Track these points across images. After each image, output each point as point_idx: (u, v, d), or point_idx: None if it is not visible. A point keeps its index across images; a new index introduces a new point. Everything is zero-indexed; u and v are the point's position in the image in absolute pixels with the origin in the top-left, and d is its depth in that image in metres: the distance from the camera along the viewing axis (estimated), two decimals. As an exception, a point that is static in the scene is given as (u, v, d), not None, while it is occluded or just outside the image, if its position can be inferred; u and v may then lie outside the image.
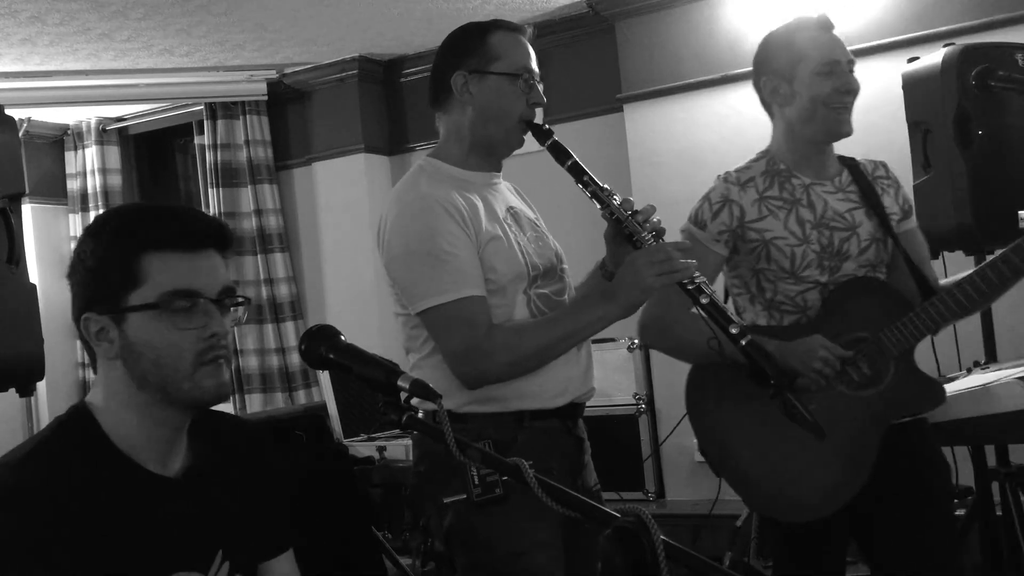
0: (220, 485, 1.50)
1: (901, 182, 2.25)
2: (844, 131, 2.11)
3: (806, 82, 2.09)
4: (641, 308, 2.05)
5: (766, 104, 2.20)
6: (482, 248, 1.96)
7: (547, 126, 2.07)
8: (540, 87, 2.11)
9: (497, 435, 1.96)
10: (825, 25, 2.16)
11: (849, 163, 2.19)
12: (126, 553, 1.33)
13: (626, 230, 1.93)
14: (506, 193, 2.15)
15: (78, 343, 5.76)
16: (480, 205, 2.00)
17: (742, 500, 2.19)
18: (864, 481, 2.02)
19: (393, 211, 1.99)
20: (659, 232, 1.90)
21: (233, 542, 1.49)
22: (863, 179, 2.16)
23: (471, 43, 2.05)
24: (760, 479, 2.11)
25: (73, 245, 5.63)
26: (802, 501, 2.07)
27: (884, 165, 2.23)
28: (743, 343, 1.80)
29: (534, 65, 2.09)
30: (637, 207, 1.94)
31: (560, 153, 2.04)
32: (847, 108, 2.10)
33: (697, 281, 1.87)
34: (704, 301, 1.86)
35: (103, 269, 1.35)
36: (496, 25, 2.07)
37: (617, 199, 1.98)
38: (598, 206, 1.99)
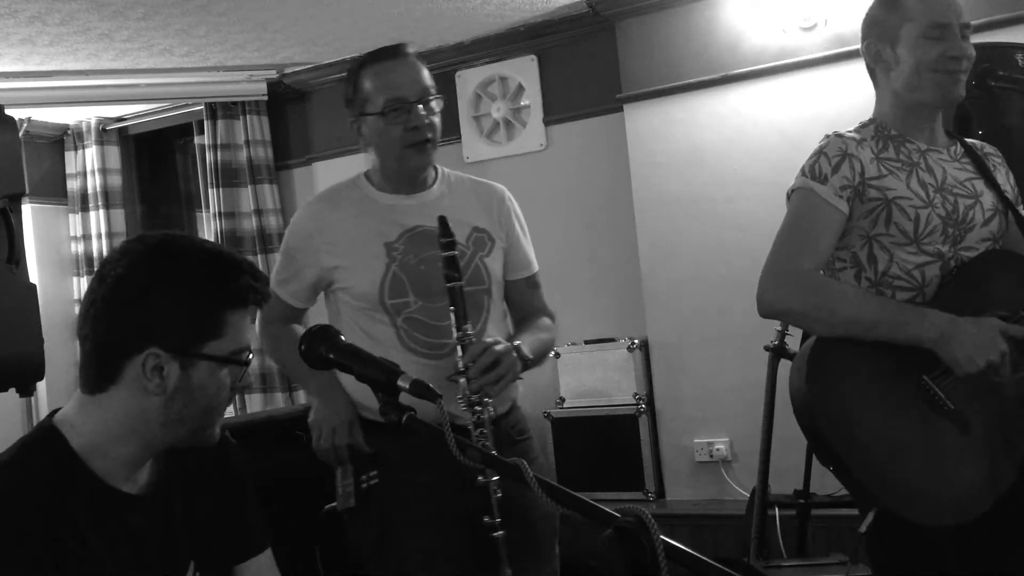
0: (185, 496, 1.50)
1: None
2: (958, 93, 1.95)
3: (911, 46, 1.95)
4: (770, 263, 1.96)
5: (870, 70, 2.06)
6: (332, 268, 2.19)
7: (448, 239, 2.10)
8: (432, 105, 2.16)
9: (381, 443, 2.10)
10: None
11: (960, 139, 2.06)
12: (97, 571, 1.33)
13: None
14: (428, 209, 2.19)
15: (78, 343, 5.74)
16: (361, 232, 2.18)
17: (867, 493, 1.86)
18: (1013, 479, 1.80)
19: None
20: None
21: (204, 551, 1.49)
22: (974, 152, 2.03)
23: (350, 87, 2.22)
24: (894, 473, 1.82)
25: (78, 245, 5.65)
26: (942, 501, 1.80)
27: (992, 146, 2.10)
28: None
29: (410, 86, 2.15)
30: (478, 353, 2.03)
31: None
32: (957, 74, 1.93)
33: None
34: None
35: (189, 313, 1.37)
36: (367, 61, 2.20)
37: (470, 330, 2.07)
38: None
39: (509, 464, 1.27)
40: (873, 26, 2.02)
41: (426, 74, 2.19)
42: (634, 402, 4.28)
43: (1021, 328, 1.84)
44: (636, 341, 4.34)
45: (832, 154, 1.97)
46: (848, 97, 3.94)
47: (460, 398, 1.99)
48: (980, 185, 1.99)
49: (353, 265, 2.17)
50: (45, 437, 1.38)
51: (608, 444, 4.25)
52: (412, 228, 2.17)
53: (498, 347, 2.02)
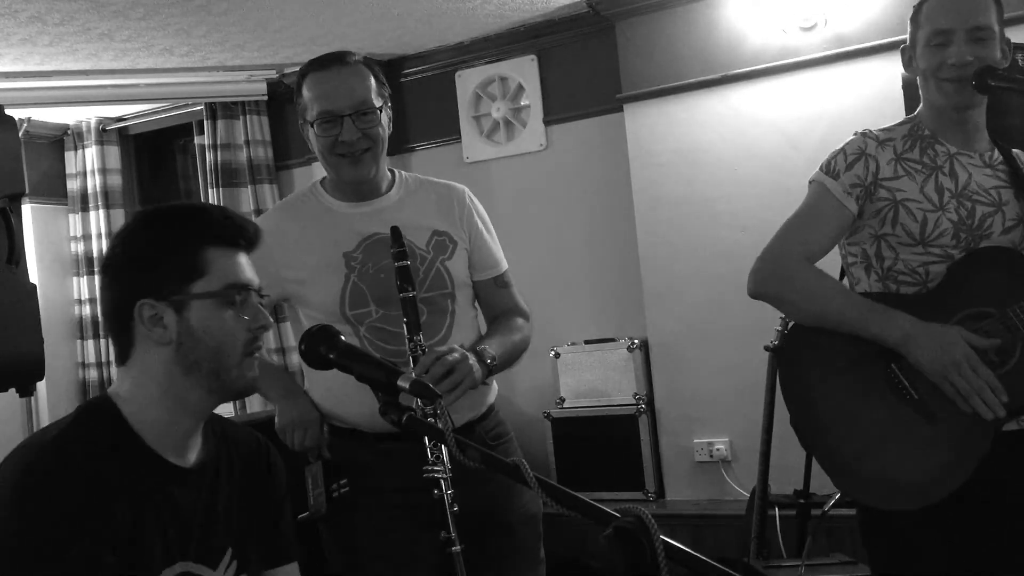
0: (230, 483, 1.54)
1: None
2: (962, 100, 1.96)
3: (920, 53, 2.00)
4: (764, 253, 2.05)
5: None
6: (292, 281, 2.15)
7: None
8: (363, 118, 2.14)
9: (350, 450, 2.12)
10: None
11: (1001, 146, 2.07)
12: (145, 538, 1.36)
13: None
14: (385, 216, 2.18)
15: (78, 343, 5.77)
16: (319, 242, 2.16)
17: (831, 481, 1.97)
18: (970, 472, 1.83)
19: None
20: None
21: (241, 542, 1.51)
22: (1014, 162, 2.03)
23: (297, 96, 2.20)
24: (854, 458, 1.91)
25: (78, 245, 5.65)
26: (899, 487, 1.87)
27: None
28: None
29: (342, 98, 2.13)
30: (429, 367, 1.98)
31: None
32: (958, 81, 1.95)
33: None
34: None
35: (165, 259, 1.44)
36: (305, 72, 2.19)
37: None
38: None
39: (508, 464, 1.27)
40: (909, 33, 2.07)
41: (368, 84, 2.16)
42: (634, 402, 4.28)
43: (983, 339, 1.87)
44: (636, 341, 4.34)
45: (850, 152, 2.02)
46: (848, 97, 3.95)
47: (413, 410, 1.96)
48: (1008, 194, 1.98)
49: (312, 279, 2.14)
50: (100, 406, 1.45)
51: (608, 444, 4.25)
52: (369, 236, 2.15)
53: (451, 356, 1.97)
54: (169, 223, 1.49)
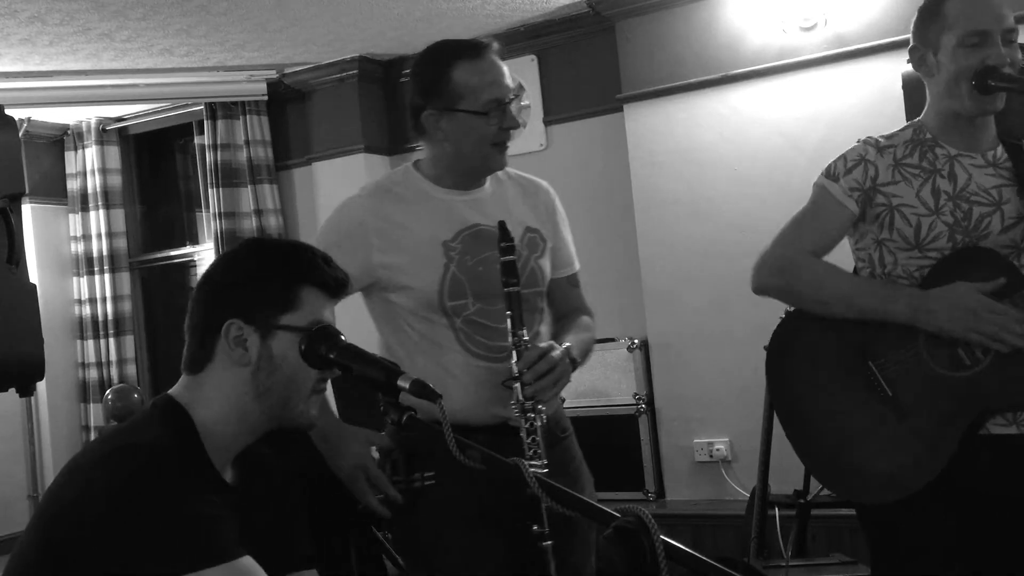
0: (248, 497, 1.55)
1: None
2: (995, 106, 1.95)
3: (950, 54, 1.95)
4: (770, 248, 2.08)
5: (917, 72, 2.08)
6: (383, 266, 2.08)
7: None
8: (517, 104, 2.10)
9: (422, 441, 2.02)
10: None
11: (1008, 143, 2.04)
12: (196, 549, 1.36)
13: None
14: (484, 207, 2.15)
15: (78, 343, 5.77)
16: (419, 228, 2.09)
17: (806, 469, 2.05)
18: (937, 471, 1.86)
19: None
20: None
21: (264, 550, 1.52)
22: (1020, 158, 2.01)
23: (436, 80, 2.09)
24: (831, 451, 1.99)
25: (78, 245, 5.65)
26: (867, 480, 1.94)
27: None
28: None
29: (506, 83, 2.08)
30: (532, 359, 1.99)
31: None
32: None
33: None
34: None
35: (264, 286, 1.51)
36: (457, 55, 2.08)
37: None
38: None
39: (509, 464, 1.27)
40: (917, 32, 2.04)
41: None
42: (634, 402, 4.28)
43: (986, 284, 1.89)
44: (636, 341, 4.34)
45: (851, 157, 2.05)
46: (848, 97, 3.95)
47: (514, 404, 1.97)
48: (1008, 192, 1.97)
49: (410, 265, 2.08)
50: (175, 412, 1.49)
51: (608, 444, 4.24)
52: (470, 227, 2.10)
53: (554, 353, 2.00)
54: (276, 254, 1.58)
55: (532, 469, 1.86)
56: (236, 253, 1.60)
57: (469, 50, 2.08)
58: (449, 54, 2.08)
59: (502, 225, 2.01)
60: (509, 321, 1.99)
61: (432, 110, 2.08)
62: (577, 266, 2.34)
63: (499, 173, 2.23)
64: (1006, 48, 1.93)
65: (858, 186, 2.02)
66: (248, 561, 1.36)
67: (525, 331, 1.99)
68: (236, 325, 1.49)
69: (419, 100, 2.10)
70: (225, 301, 1.52)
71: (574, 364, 2.10)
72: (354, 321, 2.22)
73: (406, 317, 2.10)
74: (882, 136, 2.06)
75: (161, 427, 1.45)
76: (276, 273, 1.53)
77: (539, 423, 1.96)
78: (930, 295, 1.92)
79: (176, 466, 1.38)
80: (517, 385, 1.96)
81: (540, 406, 1.97)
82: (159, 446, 1.40)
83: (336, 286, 1.58)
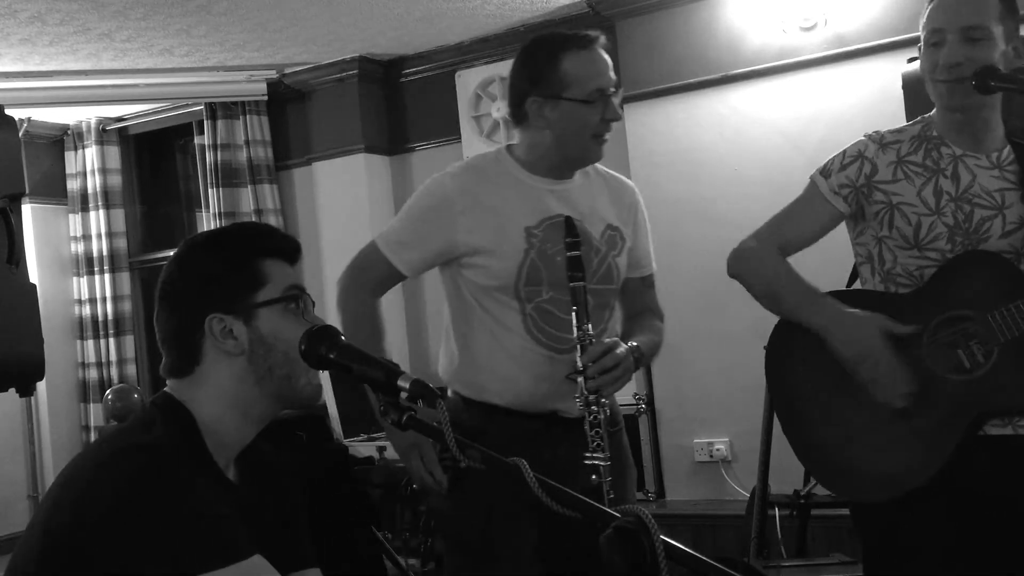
0: (250, 494, 1.55)
1: None
2: (956, 101, 1.94)
3: (921, 53, 1.99)
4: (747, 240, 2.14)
5: None
6: (466, 244, 2.12)
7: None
8: (617, 98, 2.15)
9: (470, 421, 2.09)
10: None
11: (1017, 143, 2.02)
12: (206, 549, 1.35)
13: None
14: (571, 199, 2.18)
15: (78, 343, 5.77)
16: (506, 211, 2.13)
17: (804, 468, 2.07)
18: (935, 469, 1.87)
19: None
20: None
21: (267, 549, 1.51)
22: None
23: (544, 67, 2.13)
24: (828, 449, 2.01)
25: (78, 245, 5.66)
26: (866, 480, 1.95)
27: None
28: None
29: (610, 76, 2.13)
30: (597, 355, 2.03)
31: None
32: (951, 83, 1.91)
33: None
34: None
35: (228, 273, 1.50)
36: (566, 45, 2.13)
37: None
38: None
39: (509, 464, 1.27)
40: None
41: None
42: (634, 402, 4.28)
43: (900, 326, 1.92)
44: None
45: (848, 153, 2.04)
46: (848, 97, 3.95)
47: (577, 397, 1.99)
48: (1012, 197, 1.95)
49: (493, 246, 2.11)
50: (177, 410, 1.47)
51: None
52: (553, 216, 2.13)
53: (619, 350, 2.02)
54: (225, 241, 1.58)
55: (596, 461, 1.95)
56: (186, 255, 1.57)
57: (579, 40, 2.13)
58: (560, 43, 2.13)
59: (569, 221, 2.07)
60: (574, 315, 2.02)
61: (537, 96, 2.12)
62: (654, 267, 2.36)
63: (588, 168, 2.26)
64: (963, 47, 1.90)
65: (849, 183, 2.02)
66: (259, 560, 1.35)
67: (590, 326, 2.02)
68: (218, 319, 1.48)
69: (526, 86, 2.14)
70: (196, 301, 1.50)
71: (637, 364, 2.11)
72: (388, 303, 2.27)
73: (477, 295, 2.15)
74: (889, 131, 2.06)
75: (163, 426, 1.44)
76: (235, 256, 1.52)
77: (602, 416, 1.99)
78: (845, 319, 1.95)
79: (181, 465, 1.37)
80: (581, 379, 2.00)
81: (603, 399, 1.99)
82: (163, 445, 1.39)
83: (291, 250, 1.57)
